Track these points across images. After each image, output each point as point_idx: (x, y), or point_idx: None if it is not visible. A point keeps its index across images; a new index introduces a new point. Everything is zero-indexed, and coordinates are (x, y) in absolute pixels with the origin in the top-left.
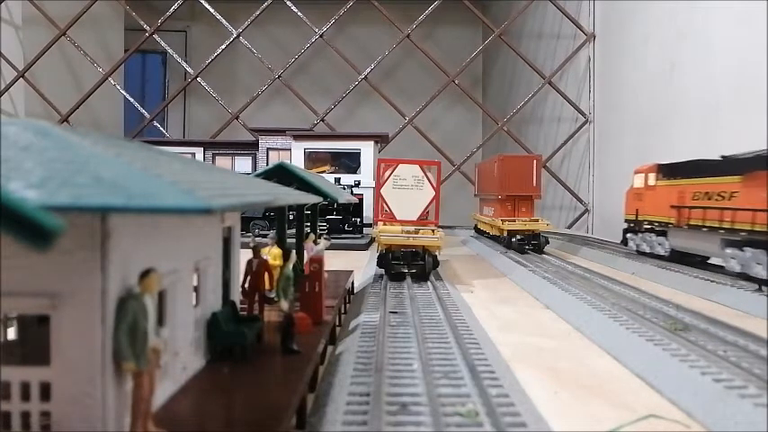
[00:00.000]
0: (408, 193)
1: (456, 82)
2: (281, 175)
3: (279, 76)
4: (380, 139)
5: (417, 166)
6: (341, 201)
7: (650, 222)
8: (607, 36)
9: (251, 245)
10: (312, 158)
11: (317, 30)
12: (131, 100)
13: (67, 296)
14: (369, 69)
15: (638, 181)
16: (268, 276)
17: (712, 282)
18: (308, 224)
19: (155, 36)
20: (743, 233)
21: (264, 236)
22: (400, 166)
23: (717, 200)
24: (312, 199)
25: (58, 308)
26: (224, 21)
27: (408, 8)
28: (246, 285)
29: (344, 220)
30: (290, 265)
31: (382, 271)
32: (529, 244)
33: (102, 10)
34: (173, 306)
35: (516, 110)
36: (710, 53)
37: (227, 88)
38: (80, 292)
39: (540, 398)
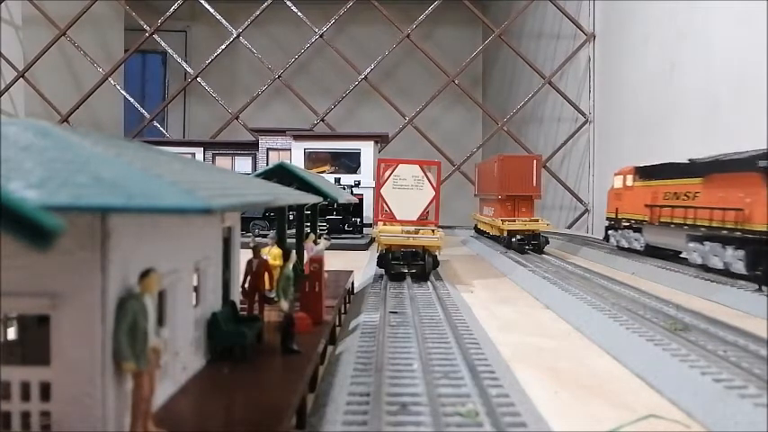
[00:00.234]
0: (408, 193)
1: (456, 82)
2: (281, 175)
3: (279, 76)
4: (380, 139)
5: (417, 166)
6: (341, 201)
7: (628, 220)
8: (607, 36)
9: (251, 245)
10: (312, 158)
11: (316, 30)
12: (131, 100)
13: (67, 296)
14: (369, 69)
15: (618, 182)
16: (268, 276)
17: (712, 282)
18: (308, 224)
19: (155, 36)
20: (703, 229)
21: (264, 236)
22: (400, 166)
23: (683, 199)
24: (312, 199)
25: (58, 308)
26: (224, 21)
27: (408, 8)
28: (246, 285)
29: (344, 220)
30: (290, 265)
31: (382, 271)
32: (529, 244)
33: (102, 10)
34: (173, 306)
35: (516, 110)
36: (710, 53)
37: (227, 88)
38: (80, 292)
39: (540, 398)
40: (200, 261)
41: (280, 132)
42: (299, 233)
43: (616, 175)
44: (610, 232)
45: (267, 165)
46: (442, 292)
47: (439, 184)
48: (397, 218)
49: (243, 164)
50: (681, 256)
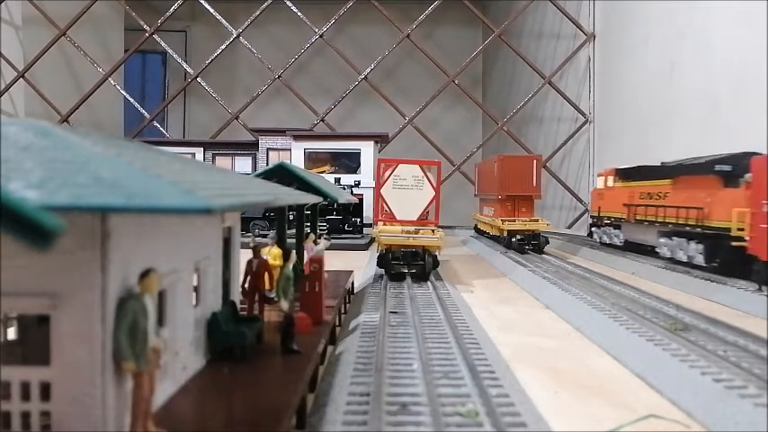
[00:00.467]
0: (408, 193)
1: (456, 82)
2: (281, 175)
3: (279, 76)
4: (380, 139)
5: (417, 166)
6: (341, 201)
7: (609, 218)
8: (607, 36)
9: (251, 245)
10: (312, 158)
11: (316, 30)
12: (131, 100)
13: (67, 296)
14: (369, 69)
15: (600, 183)
16: (268, 276)
17: (712, 282)
18: (308, 224)
19: (155, 36)
20: (671, 225)
21: (264, 236)
22: (400, 166)
23: (655, 199)
24: (312, 199)
25: (58, 308)
26: (224, 21)
27: (408, 8)
28: (246, 285)
29: (344, 220)
30: (290, 265)
31: (382, 271)
32: (529, 244)
33: (102, 10)
34: (173, 306)
35: (516, 110)
36: (710, 53)
37: (227, 88)
38: (80, 292)
39: (540, 398)
40: (201, 261)
41: (280, 132)
42: (299, 233)
43: (599, 176)
44: (593, 229)
45: (267, 165)
46: (441, 292)
47: (439, 184)
48: (397, 218)
49: (243, 164)
50: (656, 250)
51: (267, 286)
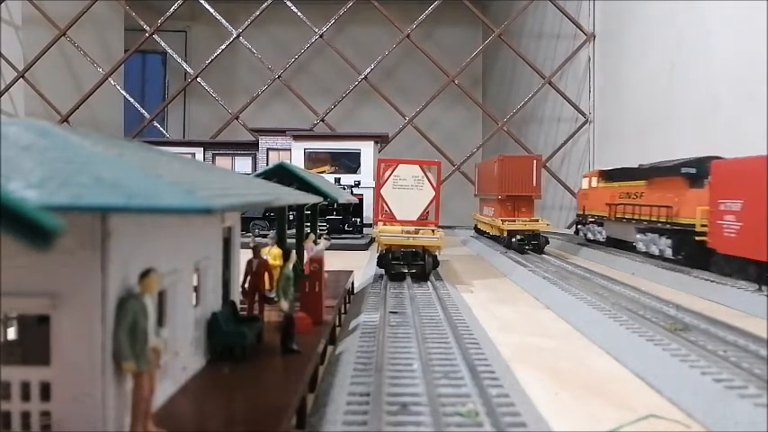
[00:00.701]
0: (408, 194)
1: (456, 82)
2: (281, 175)
3: (279, 76)
4: (380, 139)
5: (417, 166)
6: (341, 201)
7: (593, 216)
8: (607, 36)
9: (251, 245)
10: (312, 159)
11: (316, 30)
12: (131, 100)
13: (68, 296)
14: (369, 69)
15: (585, 183)
16: (268, 276)
17: (712, 282)
18: (308, 224)
19: (155, 36)
20: (645, 222)
21: (264, 236)
22: (400, 166)
23: (633, 198)
24: (312, 199)
25: (58, 308)
26: (224, 21)
27: (408, 8)
28: (246, 285)
29: (344, 220)
30: (290, 265)
31: (382, 271)
32: (529, 244)
33: (102, 10)
34: (173, 306)
35: (516, 110)
36: (710, 53)
37: (227, 88)
38: (80, 292)
39: (540, 398)
40: (201, 261)
41: (280, 132)
42: (299, 233)
43: (584, 177)
44: (579, 227)
45: (267, 165)
46: (441, 292)
47: (439, 184)
48: (397, 218)
49: (243, 164)
50: (633, 245)
51: (267, 286)
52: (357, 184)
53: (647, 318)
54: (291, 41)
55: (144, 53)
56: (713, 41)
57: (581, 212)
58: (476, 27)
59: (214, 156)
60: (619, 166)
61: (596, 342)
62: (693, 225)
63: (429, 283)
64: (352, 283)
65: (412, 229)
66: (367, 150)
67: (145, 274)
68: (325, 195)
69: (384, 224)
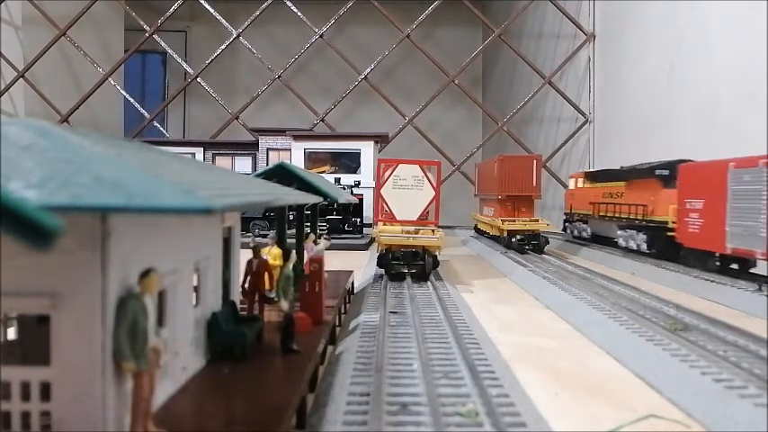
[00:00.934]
0: (408, 193)
1: (456, 82)
2: (281, 175)
3: (279, 76)
4: (380, 139)
5: (417, 166)
6: (341, 201)
7: (579, 214)
8: (607, 36)
9: (251, 245)
10: (312, 158)
11: (316, 30)
12: (131, 100)
13: (68, 296)
14: (369, 69)
15: (572, 184)
16: (268, 276)
17: (712, 282)
18: (308, 224)
19: (155, 36)
20: (625, 220)
21: (264, 236)
22: (400, 166)
23: (614, 198)
24: (312, 199)
25: (58, 308)
26: (224, 21)
27: (408, 8)
28: (246, 285)
29: (344, 220)
30: (290, 265)
31: (382, 271)
32: (529, 244)
33: (102, 10)
34: (173, 306)
35: (516, 110)
36: (710, 53)
37: (227, 88)
38: (80, 292)
39: (540, 398)
40: (201, 261)
41: (280, 132)
42: (299, 233)
43: (570, 178)
44: (566, 224)
45: (267, 165)
46: (442, 292)
47: (439, 184)
48: (397, 218)
49: (243, 164)
50: (614, 241)
51: (267, 286)
52: (357, 184)
53: (647, 318)
54: (291, 41)
55: (144, 53)
56: (713, 41)
57: (568, 211)
58: (476, 27)
59: (214, 156)
60: (603, 168)
61: (596, 342)
62: (666, 222)
63: (429, 283)
64: (352, 283)
65: (412, 229)
66: (367, 150)
67: (145, 274)
68: (325, 195)
69: (384, 224)
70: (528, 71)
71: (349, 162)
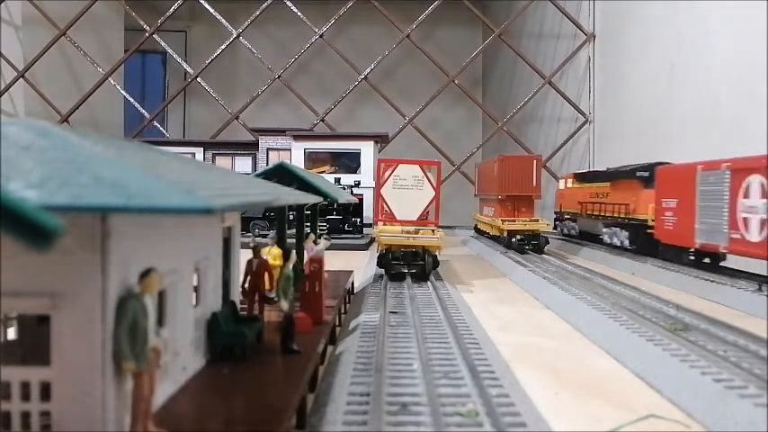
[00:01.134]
0: (408, 193)
1: (456, 82)
2: (281, 175)
3: (279, 77)
4: (380, 139)
5: (417, 166)
6: (341, 201)
7: (568, 213)
8: (607, 36)
9: (251, 245)
10: (312, 158)
11: (316, 30)
12: (131, 100)
13: (68, 296)
14: (369, 69)
15: (562, 184)
16: (268, 276)
17: (712, 282)
18: (308, 224)
19: (155, 36)
20: (609, 218)
21: (264, 236)
22: (400, 166)
23: (600, 197)
24: (312, 199)
25: (58, 308)
26: (224, 21)
27: (408, 8)
28: (246, 285)
29: (344, 220)
30: (290, 265)
31: (382, 271)
32: (529, 244)
33: (102, 10)
34: (173, 306)
35: (516, 110)
36: (710, 53)
37: (227, 88)
38: (80, 292)
39: (540, 398)
40: (201, 261)
41: (280, 132)
42: (299, 233)
43: (560, 178)
44: (557, 223)
45: (267, 165)
46: (441, 292)
47: (439, 184)
48: (397, 218)
49: (243, 164)
50: (600, 237)
51: (267, 286)
52: (357, 184)
53: (647, 318)
54: (291, 41)
55: (144, 53)
56: (713, 41)
57: (558, 210)
58: (476, 27)
59: (214, 156)
60: (591, 170)
61: (596, 342)
62: (646, 220)
63: (429, 283)
64: (352, 283)
65: (412, 229)
66: (367, 150)
67: (145, 274)
68: (325, 195)
69: (384, 224)
70: (528, 71)
71: (349, 162)
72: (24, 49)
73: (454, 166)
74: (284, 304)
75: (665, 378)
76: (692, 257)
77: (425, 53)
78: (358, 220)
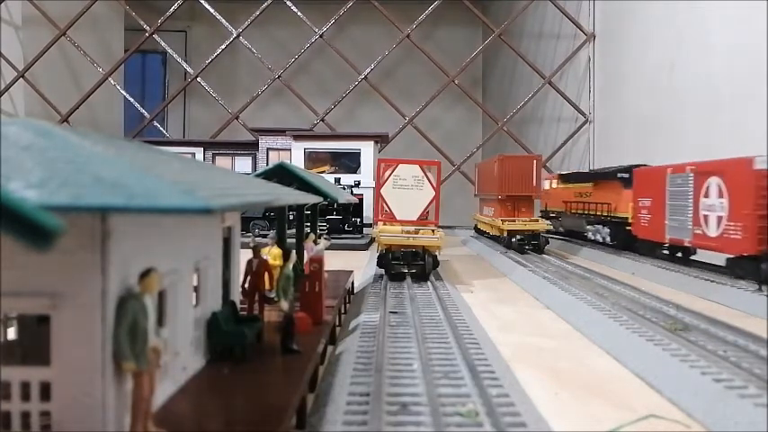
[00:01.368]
0: (408, 193)
1: (456, 82)
2: (281, 175)
3: (279, 77)
4: (380, 139)
5: (417, 166)
6: (341, 201)
7: (553, 212)
8: (607, 36)
9: (251, 245)
10: (312, 158)
11: (316, 30)
12: (131, 100)
13: (68, 296)
14: (369, 69)
15: (547, 185)
16: (268, 276)
17: (712, 282)
18: (308, 224)
19: (155, 36)
20: (592, 216)
21: (264, 236)
22: (400, 166)
23: (584, 197)
24: (312, 199)
25: (58, 308)
26: (224, 21)
27: (408, 8)
28: (246, 285)
29: (344, 220)
30: (290, 265)
31: (382, 271)
32: (529, 244)
33: (102, 10)
34: (173, 306)
35: (516, 110)
36: (710, 53)
37: (227, 88)
38: (80, 292)
39: (540, 398)
40: (200, 261)
41: (280, 132)
42: (299, 233)
43: (545, 179)
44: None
45: (267, 165)
46: (442, 292)
47: (439, 184)
48: (397, 218)
49: (243, 164)
50: (583, 234)
51: (267, 286)
52: (357, 184)
53: (647, 318)
54: (291, 41)
55: (144, 53)
56: (713, 41)
57: (544, 209)
58: (476, 27)
59: (214, 156)
60: (574, 171)
61: (596, 342)
62: (626, 218)
63: (429, 283)
64: (352, 283)
65: (412, 229)
66: (367, 150)
67: (145, 274)
68: (325, 195)
69: (384, 224)
70: (528, 71)
71: (349, 162)
72: (24, 49)
73: (454, 166)
74: (284, 304)
75: (665, 378)
76: (666, 252)
77: (425, 53)
78: (358, 220)
